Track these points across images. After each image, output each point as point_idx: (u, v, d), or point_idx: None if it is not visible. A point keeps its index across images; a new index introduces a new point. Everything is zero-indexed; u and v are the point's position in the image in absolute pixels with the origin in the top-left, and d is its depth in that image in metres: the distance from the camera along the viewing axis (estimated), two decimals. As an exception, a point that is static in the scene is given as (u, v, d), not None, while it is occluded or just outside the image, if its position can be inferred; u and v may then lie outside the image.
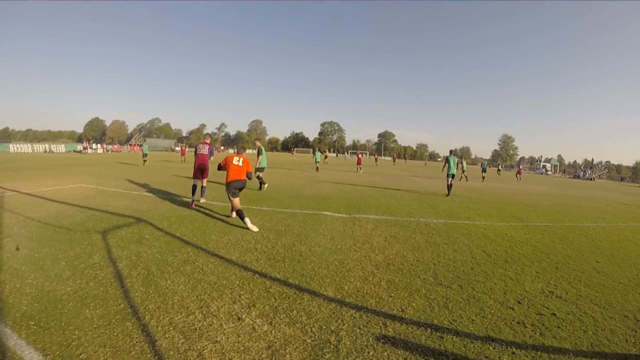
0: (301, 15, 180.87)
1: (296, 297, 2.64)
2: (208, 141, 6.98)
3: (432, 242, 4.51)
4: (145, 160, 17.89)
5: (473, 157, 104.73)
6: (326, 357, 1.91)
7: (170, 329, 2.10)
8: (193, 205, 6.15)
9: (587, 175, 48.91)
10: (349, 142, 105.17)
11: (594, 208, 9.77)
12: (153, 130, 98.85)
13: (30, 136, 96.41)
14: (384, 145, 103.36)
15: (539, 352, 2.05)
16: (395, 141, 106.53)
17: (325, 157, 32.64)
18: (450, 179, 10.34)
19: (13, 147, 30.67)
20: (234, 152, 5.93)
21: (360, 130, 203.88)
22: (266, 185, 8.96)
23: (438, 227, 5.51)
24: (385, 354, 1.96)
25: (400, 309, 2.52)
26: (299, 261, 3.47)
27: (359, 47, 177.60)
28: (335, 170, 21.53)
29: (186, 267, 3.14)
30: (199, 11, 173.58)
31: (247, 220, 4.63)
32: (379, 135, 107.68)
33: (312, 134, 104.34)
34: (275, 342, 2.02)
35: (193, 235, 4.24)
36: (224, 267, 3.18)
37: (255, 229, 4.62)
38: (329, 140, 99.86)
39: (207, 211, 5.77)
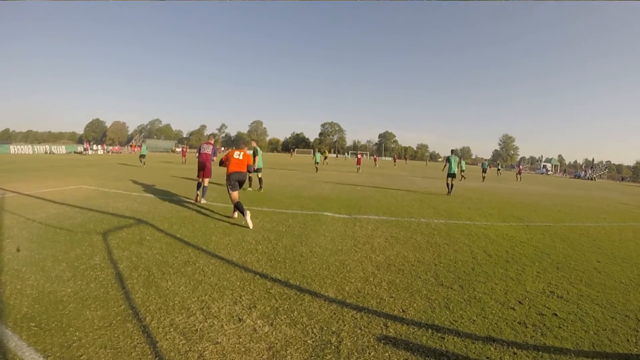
0: (301, 15, 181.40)
1: (297, 298, 2.64)
2: (212, 142, 7.25)
3: (433, 242, 4.51)
4: (143, 161, 17.81)
5: (474, 157, 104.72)
6: (327, 358, 1.91)
7: (171, 330, 2.10)
8: (197, 199, 6.49)
9: (587, 175, 48.85)
10: (349, 142, 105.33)
11: (595, 208, 9.76)
12: (153, 131, 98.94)
13: (30, 137, 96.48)
14: (385, 145, 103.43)
15: (540, 352, 2.05)
16: (395, 142, 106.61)
17: (325, 157, 32.64)
18: (450, 179, 10.35)
19: (14, 149, 30.76)
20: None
21: (360, 130, 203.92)
22: (255, 188, 9.11)
23: (439, 227, 5.50)
24: (387, 354, 1.96)
25: (401, 310, 2.52)
26: (299, 262, 3.47)
27: (359, 47, 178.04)
28: (335, 170, 21.54)
29: (187, 268, 3.14)
30: (199, 11, 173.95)
31: (247, 213, 4.65)
32: (380, 136, 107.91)
33: (312, 135, 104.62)
34: (276, 343, 2.01)
35: (194, 236, 4.24)
36: (224, 268, 3.18)
37: (251, 225, 4.67)
38: (330, 141, 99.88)
39: (207, 212, 5.77)
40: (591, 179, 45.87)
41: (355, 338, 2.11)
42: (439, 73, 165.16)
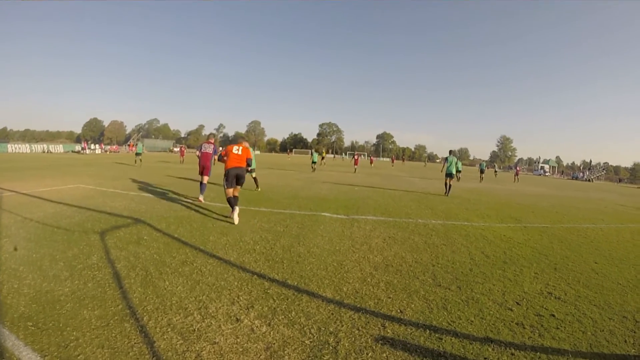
0: (301, 15, 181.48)
1: (295, 298, 2.63)
2: (212, 141, 7.38)
3: (431, 243, 4.52)
4: (140, 160, 17.34)
5: (471, 158, 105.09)
6: (325, 358, 1.90)
7: (169, 330, 2.10)
8: (199, 200, 6.66)
9: (585, 177, 49.09)
10: (347, 143, 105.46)
11: (593, 209, 9.81)
12: (151, 130, 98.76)
13: (28, 136, 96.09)
14: (383, 146, 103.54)
15: (538, 353, 2.05)
16: (393, 142, 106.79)
17: (323, 157, 32.62)
18: (448, 179, 10.39)
19: (11, 147, 30.61)
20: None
21: (358, 131, 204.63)
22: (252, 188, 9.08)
23: (436, 228, 5.51)
24: (384, 355, 1.96)
25: (399, 310, 2.52)
26: (297, 262, 3.46)
27: (358, 47, 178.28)
28: (333, 171, 21.55)
29: (184, 268, 3.13)
30: (199, 11, 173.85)
31: (235, 209, 4.68)
32: (378, 137, 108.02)
33: (310, 135, 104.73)
34: (274, 344, 2.01)
35: (191, 236, 4.23)
36: (222, 268, 3.17)
37: (236, 221, 4.76)
38: (328, 142, 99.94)
39: (205, 212, 5.76)
40: (589, 180, 46.10)
41: (353, 338, 2.11)
42: (438, 73, 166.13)
